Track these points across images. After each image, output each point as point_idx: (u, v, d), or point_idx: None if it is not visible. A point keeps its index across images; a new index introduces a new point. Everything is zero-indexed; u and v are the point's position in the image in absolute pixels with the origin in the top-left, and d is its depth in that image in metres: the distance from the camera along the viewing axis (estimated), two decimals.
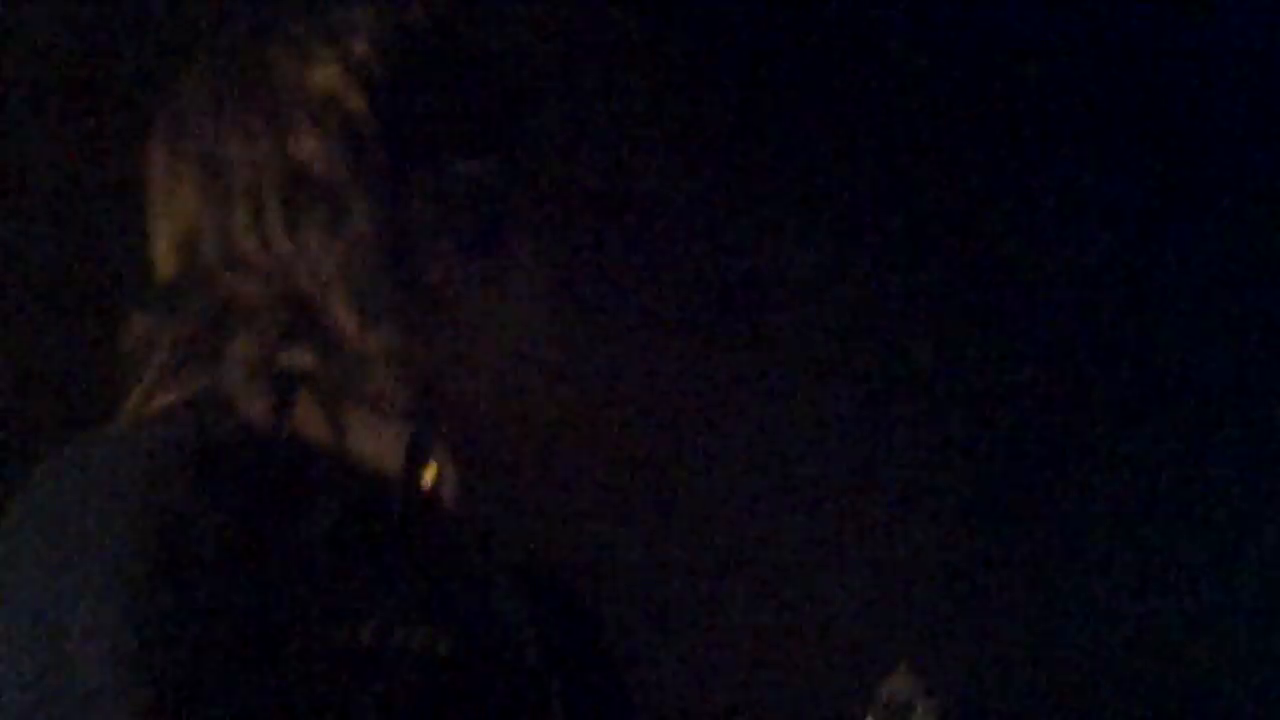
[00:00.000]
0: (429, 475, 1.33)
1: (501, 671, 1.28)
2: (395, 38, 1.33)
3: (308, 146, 1.29)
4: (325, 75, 1.30)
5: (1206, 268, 3.02)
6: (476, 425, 1.36)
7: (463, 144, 1.33)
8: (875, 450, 2.91)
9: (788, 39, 2.89)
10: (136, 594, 1.12)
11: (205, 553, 1.15)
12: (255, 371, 1.28)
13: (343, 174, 1.28)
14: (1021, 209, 3.01)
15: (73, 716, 1.10)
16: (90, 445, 1.22)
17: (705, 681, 2.78)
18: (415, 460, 1.31)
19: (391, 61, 1.32)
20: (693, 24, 2.82)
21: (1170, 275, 3.02)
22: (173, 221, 1.33)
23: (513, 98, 1.39)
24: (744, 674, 2.82)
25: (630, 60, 2.74)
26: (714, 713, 2.79)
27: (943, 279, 2.96)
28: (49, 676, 1.12)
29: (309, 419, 1.29)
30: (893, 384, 2.93)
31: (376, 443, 1.30)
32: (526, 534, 1.44)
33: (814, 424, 2.87)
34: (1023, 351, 2.99)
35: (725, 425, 2.85)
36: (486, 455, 1.39)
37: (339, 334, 1.28)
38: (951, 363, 2.95)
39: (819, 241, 2.90)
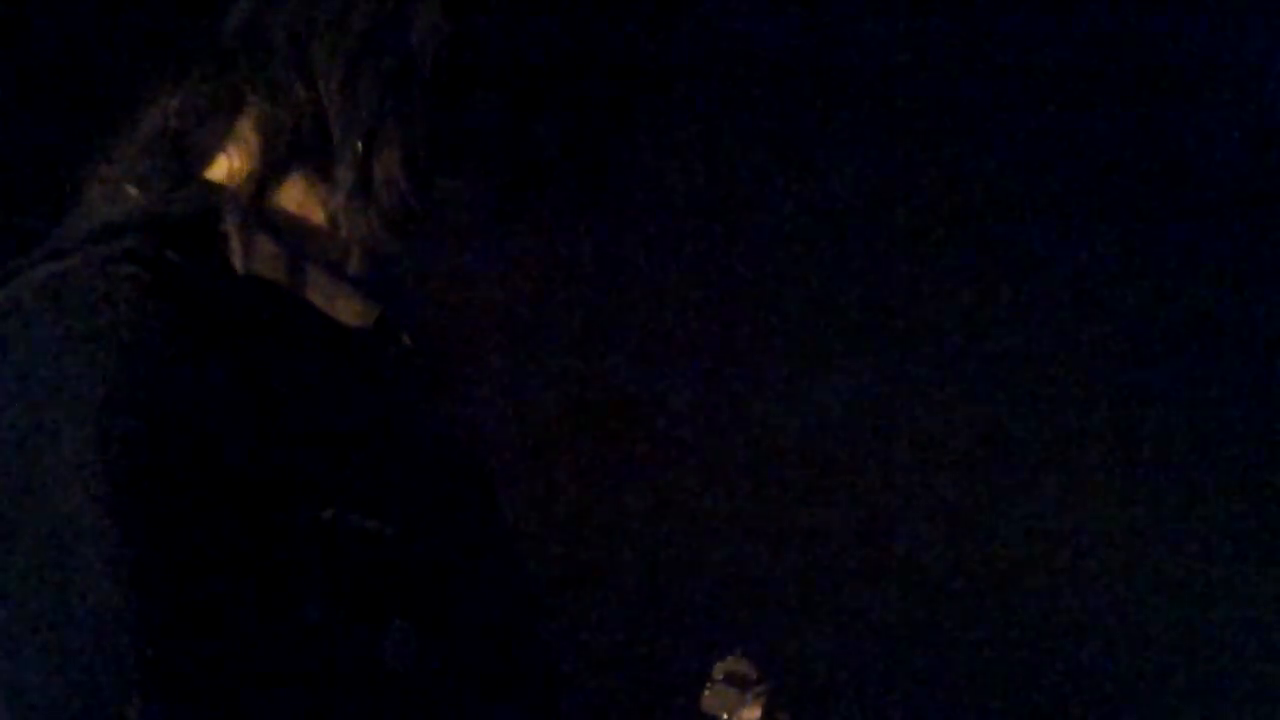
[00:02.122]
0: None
1: (452, 549, 1.28)
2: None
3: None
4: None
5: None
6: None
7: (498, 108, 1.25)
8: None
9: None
10: (117, 437, 1.11)
11: (182, 398, 1.13)
12: (244, 191, 1.24)
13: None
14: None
15: (47, 546, 1.10)
16: (56, 273, 1.17)
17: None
18: (386, 334, 1.29)
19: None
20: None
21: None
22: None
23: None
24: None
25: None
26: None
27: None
28: (26, 502, 1.11)
29: (267, 256, 1.24)
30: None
31: (333, 304, 1.26)
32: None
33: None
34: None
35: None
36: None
37: (337, 191, 1.23)
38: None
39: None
